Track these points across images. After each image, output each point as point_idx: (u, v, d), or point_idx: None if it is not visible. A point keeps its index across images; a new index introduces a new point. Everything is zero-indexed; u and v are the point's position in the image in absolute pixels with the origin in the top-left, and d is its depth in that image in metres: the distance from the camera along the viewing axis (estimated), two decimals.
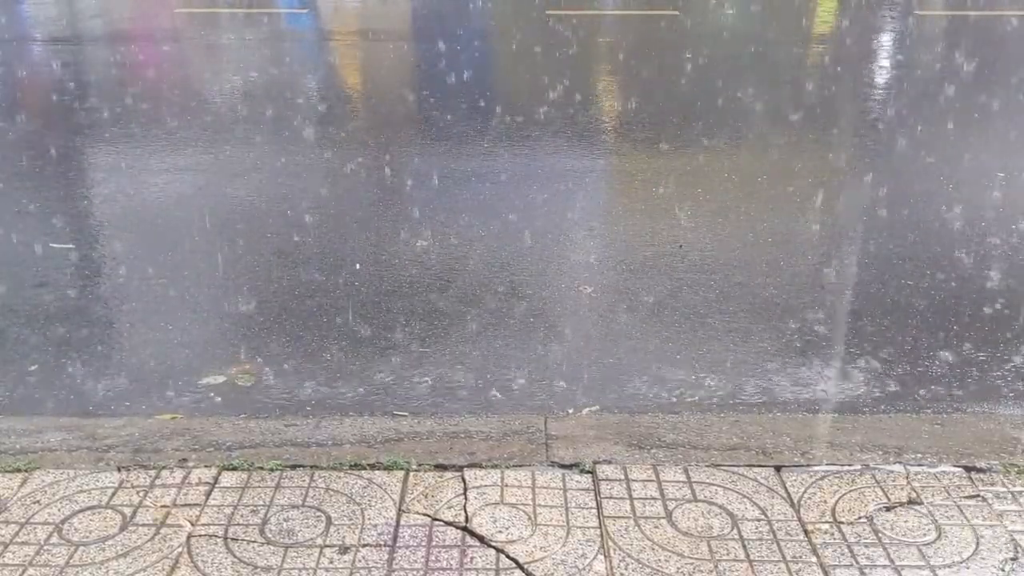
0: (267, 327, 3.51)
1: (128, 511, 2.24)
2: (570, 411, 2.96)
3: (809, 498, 2.31)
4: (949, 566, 2.07)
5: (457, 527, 2.19)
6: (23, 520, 2.21)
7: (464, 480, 2.37)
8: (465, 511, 2.25)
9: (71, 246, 4.27)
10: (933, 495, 2.32)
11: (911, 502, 2.29)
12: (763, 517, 2.23)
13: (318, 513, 2.24)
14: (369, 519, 2.22)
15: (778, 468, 2.43)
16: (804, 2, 12.19)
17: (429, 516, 2.23)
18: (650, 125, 6.34)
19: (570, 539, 2.16)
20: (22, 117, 6.55)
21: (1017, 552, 2.11)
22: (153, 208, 4.77)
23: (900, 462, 2.46)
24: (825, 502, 2.29)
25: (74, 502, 2.27)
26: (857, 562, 2.08)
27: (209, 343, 3.40)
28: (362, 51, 9.44)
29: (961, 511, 2.26)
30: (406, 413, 2.92)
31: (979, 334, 3.47)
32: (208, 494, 2.31)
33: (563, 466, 2.44)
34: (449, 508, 2.26)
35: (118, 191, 5.02)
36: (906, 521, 2.22)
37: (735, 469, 2.42)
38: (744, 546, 2.13)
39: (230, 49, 9.29)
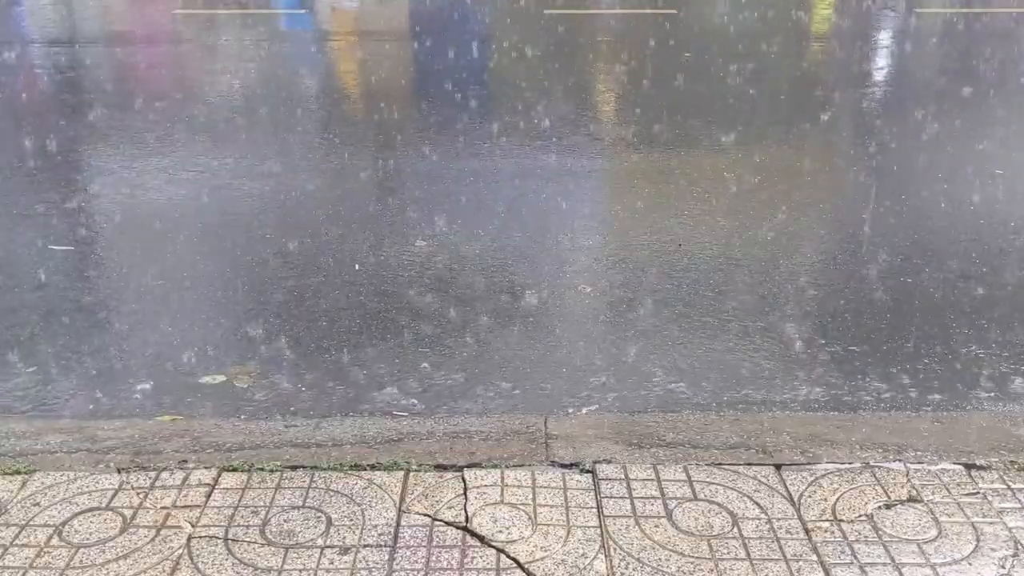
0: (267, 328, 3.51)
1: (128, 513, 2.24)
2: (570, 411, 2.96)
3: (809, 496, 2.31)
4: (949, 564, 2.07)
5: (457, 527, 2.19)
6: (23, 522, 2.21)
7: (464, 480, 2.37)
8: (465, 511, 2.25)
9: (71, 248, 4.28)
10: (933, 493, 2.32)
11: (911, 500, 2.29)
12: (763, 516, 2.23)
13: (318, 514, 2.24)
14: (369, 519, 2.22)
15: (778, 467, 2.43)
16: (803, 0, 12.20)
17: (429, 516, 2.23)
18: (649, 124, 6.33)
19: (570, 539, 2.16)
20: (21, 119, 6.55)
21: (1017, 549, 2.11)
22: (152, 209, 4.77)
23: (900, 460, 2.46)
24: (825, 500, 2.29)
25: (74, 504, 2.27)
26: (858, 560, 2.08)
27: (209, 344, 3.40)
28: (360, 51, 9.44)
29: (961, 508, 2.26)
30: (406, 413, 2.92)
31: (979, 333, 3.47)
32: (208, 495, 2.31)
33: (563, 466, 2.44)
34: (449, 508, 2.26)
35: (117, 192, 5.02)
36: (906, 519, 2.22)
37: (735, 468, 2.42)
38: (744, 545, 2.13)
39: (229, 50, 9.29)
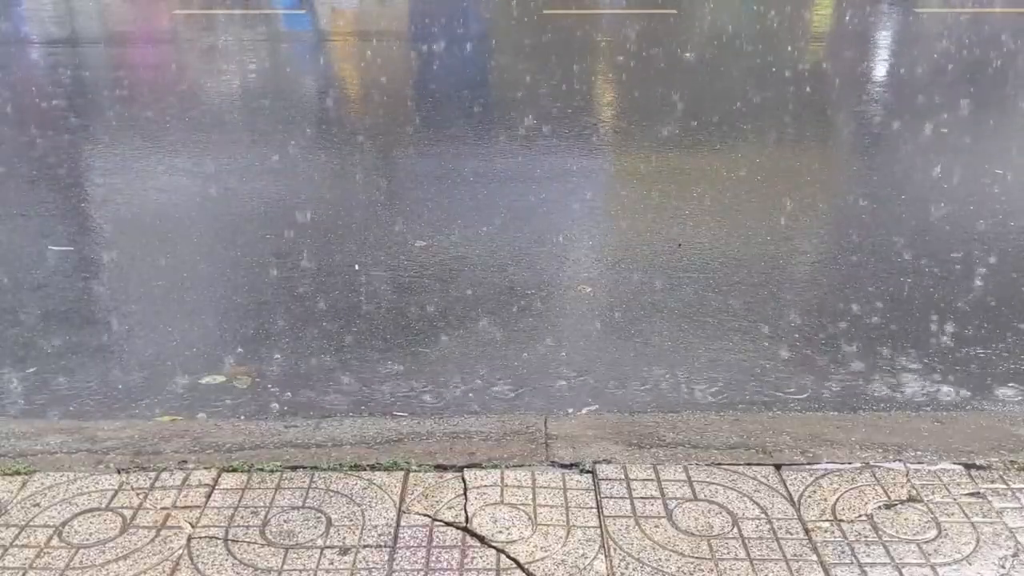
0: (266, 328, 3.51)
1: (128, 513, 2.24)
2: (570, 411, 2.96)
3: (809, 496, 2.31)
4: (949, 563, 2.07)
5: (457, 527, 2.19)
6: (23, 523, 2.21)
7: (464, 480, 2.37)
8: (465, 511, 2.25)
9: (70, 248, 4.27)
10: (933, 493, 2.32)
11: (911, 500, 2.29)
12: (763, 516, 2.23)
13: (318, 514, 2.24)
14: (369, 520, 2.22)
15: (778, 466, 2.43)
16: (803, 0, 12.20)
17: (429, 516, 2.23)
18: (648, 124, 6.34)
19: (570, 539, 2.16)
20: (21, 119, 6.55)
21: (1017, 549, 2.11)
22: (152, 210, 4.77)
23: (900, 460, 2.46)
24: (825, 500, 2.29)
25: (74, 505, 2.27)
26: (857, 560, 2.08)
27: (208, 345, 3.40)
28: (359, 51, 9.44)
29: (961, 508, 2.26)
30: (406, 414, 2.92)
31: (977, 330, 3.47)
32: (208, 496, 2.31)
33: (563, 466, 2.44)
34: (449, 508, 2.26)
35: (116, 193, 5.01)
36: (906, 519, 2.22)
37: (735, 468, 2.42)
38: (744, 545, 2.13)
39: (228, 50, 9.29)
